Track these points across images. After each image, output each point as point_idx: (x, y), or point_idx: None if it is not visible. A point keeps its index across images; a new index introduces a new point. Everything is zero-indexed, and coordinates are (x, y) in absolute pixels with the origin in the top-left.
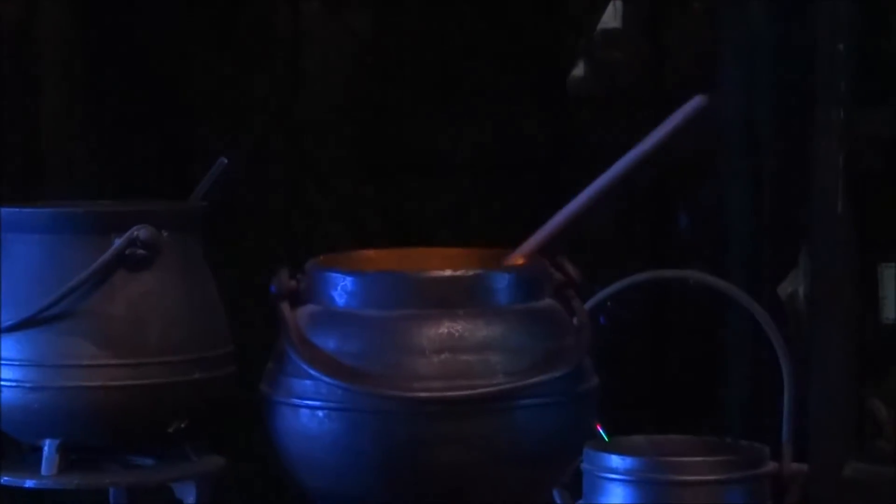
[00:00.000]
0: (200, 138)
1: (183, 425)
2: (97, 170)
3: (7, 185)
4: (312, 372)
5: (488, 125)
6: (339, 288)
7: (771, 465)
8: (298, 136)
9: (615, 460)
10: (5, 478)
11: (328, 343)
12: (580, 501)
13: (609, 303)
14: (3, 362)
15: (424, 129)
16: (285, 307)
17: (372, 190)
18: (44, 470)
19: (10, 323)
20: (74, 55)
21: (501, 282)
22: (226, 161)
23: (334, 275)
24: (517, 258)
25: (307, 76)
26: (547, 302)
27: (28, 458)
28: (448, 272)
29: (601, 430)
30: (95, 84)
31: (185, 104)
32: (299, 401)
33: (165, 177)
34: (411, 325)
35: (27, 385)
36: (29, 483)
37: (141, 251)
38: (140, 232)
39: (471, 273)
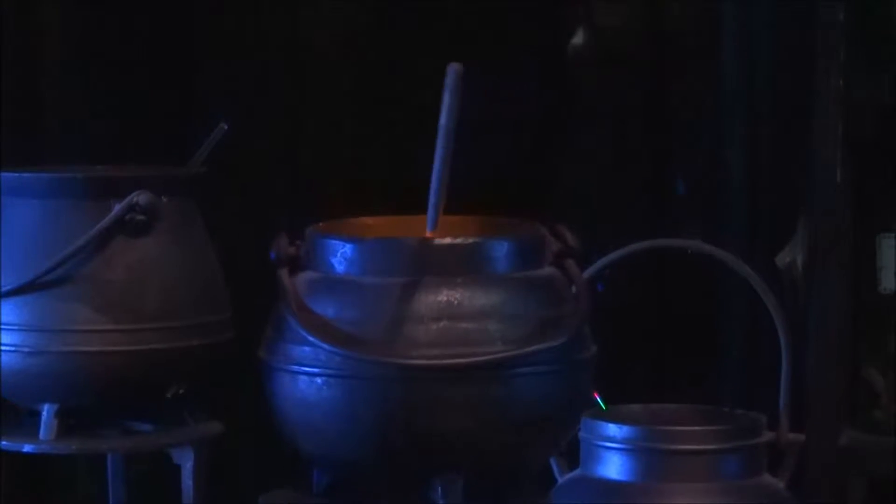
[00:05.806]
0: (201, 99)
1: (181, 391)
2: (96, 132)
3: (5, 148)
4: (311, 338)
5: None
6: (338, 255)
7: (767, 435)
8: (299, 96)
9: (612, 429)
10: (4, 442)
11: (327, 310)
12: (577, 469)
13: (608, 271)
14: (2, 327)
15: (425, 89)
16: (284, 274)
17: (372, 152)
18: (42, 435)
19: (8, 287)
20: (74, 12)
21: (500, 250)
22: (226, 127)
23: (333, 241)
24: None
25: (307, 28)
26: (545, 270)
27: (26, 423)
28: (447, 240)
29: (598, 399)
30: (94, 44)
31: (186, 63)
32: (297, 367)
33: (163, 138)
34: (410, 293)
35: (26, 350)
36: (27, 448)
37: (140, 217)
38: (139, 197)
39: (470, 241)
